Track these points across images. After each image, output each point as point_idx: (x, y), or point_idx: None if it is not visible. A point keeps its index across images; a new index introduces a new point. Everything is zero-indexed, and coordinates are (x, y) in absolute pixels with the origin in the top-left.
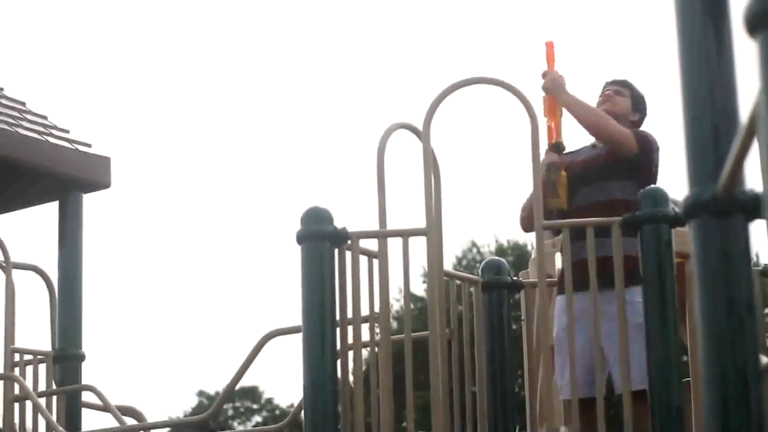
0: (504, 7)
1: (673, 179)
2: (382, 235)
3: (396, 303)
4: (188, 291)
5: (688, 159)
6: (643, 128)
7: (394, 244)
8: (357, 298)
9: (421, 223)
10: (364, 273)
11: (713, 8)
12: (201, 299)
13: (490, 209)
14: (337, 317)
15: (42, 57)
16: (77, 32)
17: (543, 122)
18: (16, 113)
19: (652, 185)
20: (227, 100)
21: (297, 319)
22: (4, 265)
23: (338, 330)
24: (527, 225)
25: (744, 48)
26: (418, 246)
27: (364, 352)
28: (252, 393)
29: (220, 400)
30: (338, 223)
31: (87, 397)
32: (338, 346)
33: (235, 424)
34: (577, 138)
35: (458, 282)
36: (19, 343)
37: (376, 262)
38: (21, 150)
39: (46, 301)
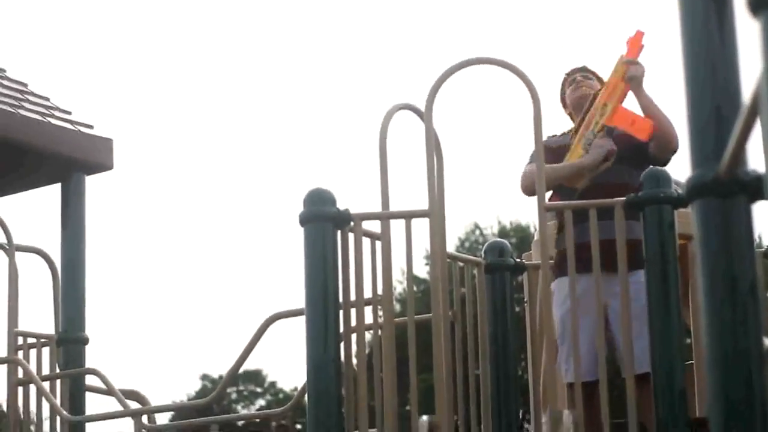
0: None
1: (676, 160)
2: (385, 217)
3: (399, 285)
4: (192, 274)
5: (690, 140)
6: None
7: (397, 226)
8: (360, 280)
9: (424, 204)
10: (367, 255)
11: None
12: (204, 282)
13: (493, 191)
14: (340, 299)
15: (44, 38)
16: (79, 13)
17: (600, 103)
18: (18, 95)
19: (654, 167)
20: (230, 82)
21: (300, 302)
22: (6, 247)
23: (341, 312)
24: (530, 191)
25: (746, 28)
26: (421, 228)
27: (367, 335)
28: (255, 376)
29: (223, 384)
30: (341, 205)
31: (90, 380)
32: (341, 329)
33: (239, 407)
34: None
35: (461, 264)
36: (22, 327)
37: (378, 244)
38: (23, 132)
39: (49, 284)
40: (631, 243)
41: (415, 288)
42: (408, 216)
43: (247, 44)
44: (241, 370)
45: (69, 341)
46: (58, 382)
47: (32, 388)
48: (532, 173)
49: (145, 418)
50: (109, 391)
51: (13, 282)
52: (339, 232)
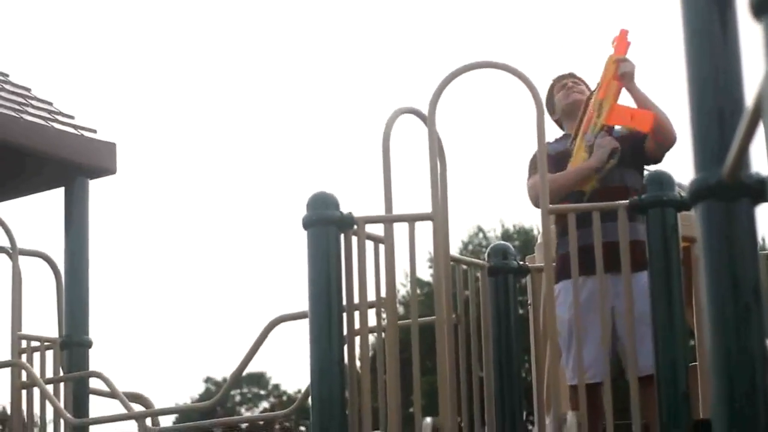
0: None
1: (679, 163)
2: (388, 220)
3: (402, 288)
4: (195, 277)
5: (693, 143)
6: None
7: (401, 229)
8: (363, 283)
9: (427, 208)
10: (371, 258)
11: None
12: (208, 285)
13: (496, 194)
14: (344, 302)
15: (47, 43)
16: (82, 18)
17: (597, 102)
18: (21, 99)
19: (658, 169)
20: (233, 85)
21: (303, 305)
22: (10, 251)
23: (345, 315)
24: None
25: (749, 31)
26: (425, 231)
27: (371, 338)
28: (259, 379)
29: (227, 387)
30: (344, 209)
31: (94, 383)
32: (345, 332)
33: (243, 410)
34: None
35: (464, 267)
36: (26, 330)
37: (382, 247)
38: (26, 136)
39: (52, 288)
40: (633, 244)
41: (418, 291)
42: (411, 219)
43: (250, 48)
44: (244, 373)
45: (73, 344)
46: (62, 385)
47: (36, 391)
48: (538, 184)
49: (148, 421)
50: (112, 394)
51: (16, 286)
52: (342, 236)
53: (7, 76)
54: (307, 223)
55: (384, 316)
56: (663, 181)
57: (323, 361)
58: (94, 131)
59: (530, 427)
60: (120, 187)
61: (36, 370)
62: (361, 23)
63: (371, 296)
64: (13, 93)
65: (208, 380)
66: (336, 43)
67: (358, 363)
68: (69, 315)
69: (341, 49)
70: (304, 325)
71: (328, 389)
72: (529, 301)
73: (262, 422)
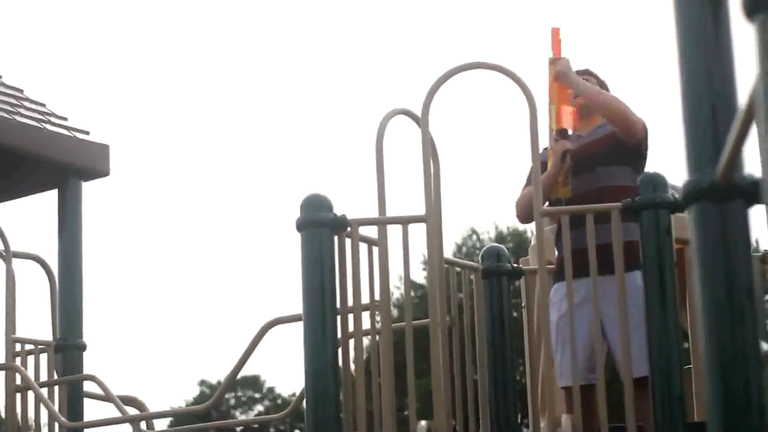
0: None
1: (672, 165)
2: (382, 222)
3: (396, 290)
4: (189, 280)
5: (686, 144)
6: None
7: (394, 231)
8: (357, 285)
9: (421, 210)
10: (364, 260)
11: None
12: (202, 288)
13: (490, 196)
14: (338, 305)
15: (40, 44)
16: (75, 19)
17: (549, 108)
18: (13, 100)
19: (652, 171)
20: (226, 87)
21: (298, 308)
22: (4, 254)
23: (339, 318)
24: (524, 217)
25: (742, 32)
26: (418, 233)
27: (365, 340)
28: (254, 382)
29: (221, 390)
30: (338, 211)
31: (89, 386)
32: (339, 334)
33: (238, 413)
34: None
35: (458, 269)
36: (20, 333)
37: (376, 249)
38: (19, 138)
39: (46, 291)
40: (626, 244)
41: (412, 293)
42: (405, 221)
43: (243, 50)
44: (239, 376)
45: (67, 347)
46: (57, 388)
47: (30, 394)
48: (524, 197)
49: (143, 424)
50: (107, 398)
51: (10, 288)
52: (336, 238)
53: (0, 77)
54: (301, 225)
55: (378, 318)
56: (656, 182)
57: (317, 363)
58: (88, 133)
59: (525, 430)
60: (113, 189)
61: (30, 373)
62: (354, 25)
63: (365, 299)
64: (5, 94)
65: (202, 383)
66: (329, 44)
67: (352, 366)
68: (63, 318)
69: (334, 51)
70: (299, 327)
71: (322, 392)
72: (523, 304)
73: (256, 425)
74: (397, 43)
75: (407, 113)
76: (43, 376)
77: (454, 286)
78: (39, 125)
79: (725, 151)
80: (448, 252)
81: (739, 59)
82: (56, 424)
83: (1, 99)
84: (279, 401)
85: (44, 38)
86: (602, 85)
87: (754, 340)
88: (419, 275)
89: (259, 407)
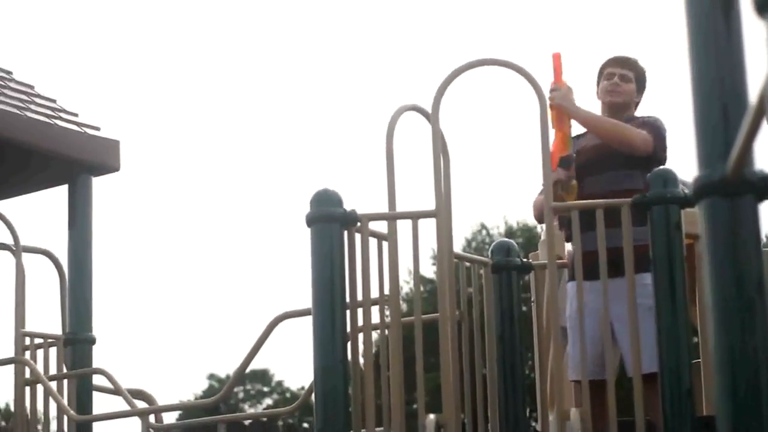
0: None
1: (683, 160)
2: (392, 218)
3: (406, 285)
4: (199, 274)
5: (697, 139)
6: (649, 113)
7: (404, 227)
8: (367, 280)
9: (431, 205)
10: (374, 255)
11: None
12: (211, 282)
13: (500, 191)
14: (347, 300)
15: (51, 40)
16: (86, 15)
17: (552, 134)
18: (24, 96)
19: (662, 167)
20: (237, 83)
21: (307, 302)
22: (14, 249)
23: (348, 312)
24: (540, 217)
25: (753, 28)
26: (428, 228)
27: (375, 335)
28: (263, 376)
29: (230, 383)
30: (348, 206)
31: (98, 380)
32: (348, 329)
33: (246, 407)
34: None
35: (468, 264)
36: (29, 327)
37: (385, 244)
38: (30, 134)
39: (56, 285)
40: (637, 247)
41: (422, 288)
42: (415, 216)
43: (253, 45)
44: (248, 370)
45: (76, 341)
46: (65, 382)
47: (39, 388)
48: (539, 200)
49: (152, 418)
50: (116, 391)
51: (20, 283)
52: (346, 233)
53: (11, 73)
54: (311, 221)
55: (387, 313)
56: (666, 178)
57: (327, 358)
58: (98, 128)
59: (533, 424)
60: (123, 185)
61: (39, 367)
62: (365, 20)
63: (374, 293)
64: (16, 90)
65: (211, 377)
66: (340, 39)
67: (361, 360)
68: (72, 312)
69: (345, 46)
70: (308, 322)
71: (331, 386)
72: (532, 298)
73: (265, 419)
74: (408, 39)
75: (417, 109)
76: (53, 370)
77: (463, 280)
78: (50, 121)
79: (736, 146)
80: (458, 247)
81: (750, 55)
82: (65, 418)
83: (12, 95)
84: (288, 395)
85: (55, 34)
86: (642, 77)
87: (764, 335)
88: (429, 270)
89: (268, 401)
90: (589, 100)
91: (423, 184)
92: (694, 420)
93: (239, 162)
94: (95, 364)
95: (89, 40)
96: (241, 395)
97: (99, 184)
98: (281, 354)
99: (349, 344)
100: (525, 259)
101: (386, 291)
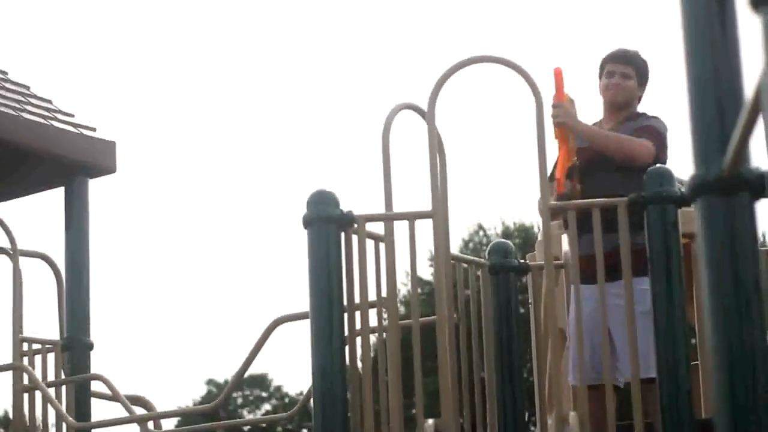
0: None
1: (679, 158)
2: (389, 218)
3: (403, 287)
4: (196, 278)
5: (693, 138)
6: (652, 114)
7: (401, 227)
8: (364, 282)
9: (428, 205)
10: (371, 257)
11: None
12: (208, 286)
13: (497, 191)
14: (345, 302)
15: (46, 40)
16: (81, 15)
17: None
18: (20, 97)
19: (658, 166)
20: (232, 83)
21: (304, 305)
22: (11, 252)
23: (346, 315)
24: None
25: (748, 24)
26: (425, 229)
27: (372, 337)
28: (261, 381)
29: (229, 389)
30: (344, 207)
31: (96, 386)
32: (346, 332)
33: (245, 412)
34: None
35: (465, 265)
36: (27, 332)
37: (382, 245)
38: (26, 135)
39: (53, 289)
40: (635, 251)
41: (419, 290)
42: (411, 217)
43: (249, 46)
44: (246, 375)
45: (74, 347)
46: (64, 388)
47: (38, 394)
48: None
49: (150, 424)
50: (114, 397)
51: (17, 287)
52: (342, 234)
53: (6, 73)
54: (307, 222)
55: (385, 315)
56: (662, 176)
57: (325, 361)
58: (94, 129)
59: (532, 428)
60: (120, 186)
61: (37, 372)
62: (360, 19)
63: (372, 295)
64: (12, 91)
65: (209, 382)
66: (335, 38)
67: (359, 363)
68: (70, 317)
69: (340, 45)
70: (306, 325)
71: (330, 390)
72: (530, 300)
73: (264, 425)
74: (403, 37)
75: (413, 108)
76: (51, 376)
77: (461, 282)
78: (45, 122)
79: (731, 144)
80: (455, 248)
81: (745, 52)
82: (63, 424)
83: (8, 96)
84: (286, 400)
85: (50, 35)
86: (643, 71)
87: (761, 335)
88: (426, 271)
89: (267, 406)
90: (591, 109)
91: (419, 184)
92: (694, 422)
93: (236, 164)
94: (93, 370)
95: (85, 41)
96: (239, 401)
97: (95, 186)
98: (279, 358)
99: (347, 348)
100: (522, 261)
101: (383, 293)
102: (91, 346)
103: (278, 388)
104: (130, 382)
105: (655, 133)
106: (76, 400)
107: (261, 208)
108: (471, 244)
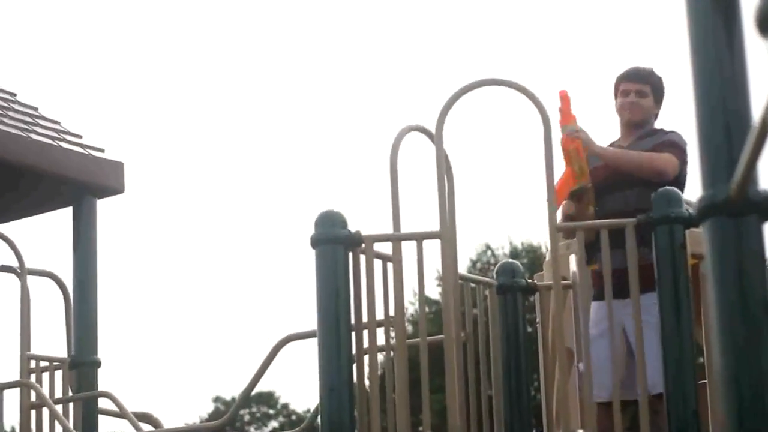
0: (517, 9)
1: (687, 180)
2: (396, 239)
3: (411, 306)
4: (203, 296)
5: (701, 160)
6: (670, 129)
7: (409, 248)
8: (372, 301)
9: (435, 226)
10: (379, 277)
11: (724, 9)
12: (216, 304)
13: (504, 211)
14: (353, 321)
15: (55, 62)
16: (90, 38)
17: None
18: (28, 119)
19: (666, 187)
20: (241, 104)
21: (312, 324)
22: (18, 271)
23: (353, 334)
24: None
25: (755, 48)
26: (433, 249)
27: (380, 357)
28: (268, 398)
29: (236, 406)
30: (352, 227)
31: (103, 403)
32: (354, 351)
33: (252, 429)
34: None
35: (473, 285)
36: (34, 350)
37: (390, 265)
38: (34, 156)
39: (61, 308)
40: (643, 267)
41: (427, 309)
42: (419, 237)
43: (258, 68)
44: (253, 392)
45: (81, 364)
46: (71, 405)
47: (45, 411)
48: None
49: None
50: (122, 414)
51: (25, 305)
52: (350, 254)
53: (15, 95)
54: (315, 242)
55: (393, 334)
56: (670, 198)
57: (332, 380)
58: (102, 150)
59: None
60: (128, 207)
61: (45, 390)
62: (370, 40)
63: (380, 315)
64: (20, 113)
65: (217, 399)
66: (344, 60)
67: (367, 382)
68: (77, 335)
69: (349, 67)
70: (313, 344)
71: (337, 408)
72: (537, 320)
73: None
74: (413, 59)
75: (422, 129)
76: (58, 393)
77: (468, 302)
78: (54, 143)
79: (740, 166)
80: (463, 268)
81: (753, 75)
82: None
83: (17, 117)
84: (293, 417)
85: (59, 57)
86: (659, 88)
87: None
88: (434, 291)
89: (274, 423)
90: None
91: (427, 204)
92: None
93: (244, 183)
94: (101, 387)
95: (94, 62)
96: (246, 418)
97: (103, 206)
98: (287, 376)
99: (354, 366)
100: (530, 280)
101: (391, 312)
102: (98, 364)
103: (285, 406)
104: (137, 399)
105: (679, 149)
106: (84, 417)
107: (269, 228)
108: (479, 264)
